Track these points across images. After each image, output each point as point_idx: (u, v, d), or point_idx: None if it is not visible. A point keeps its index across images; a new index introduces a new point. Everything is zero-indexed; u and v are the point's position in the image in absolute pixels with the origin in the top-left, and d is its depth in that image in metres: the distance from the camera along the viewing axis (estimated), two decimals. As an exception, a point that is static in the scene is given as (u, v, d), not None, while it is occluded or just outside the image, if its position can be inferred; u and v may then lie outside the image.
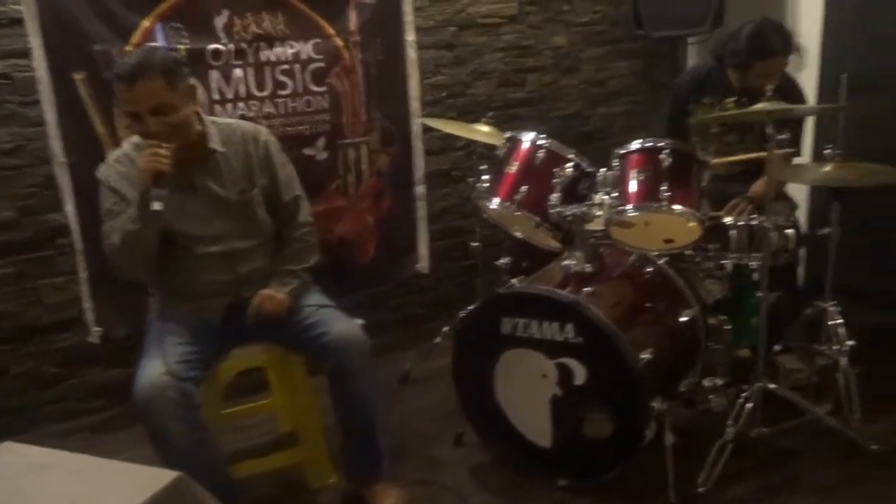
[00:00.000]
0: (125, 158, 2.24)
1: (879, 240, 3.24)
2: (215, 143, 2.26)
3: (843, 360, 2.55)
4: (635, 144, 2.38)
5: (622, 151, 2.40)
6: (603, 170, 2.45)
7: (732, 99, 2.95)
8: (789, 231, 2.58)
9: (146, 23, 2.69)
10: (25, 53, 2.62)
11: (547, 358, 2.32)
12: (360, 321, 3.36)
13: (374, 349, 3.47)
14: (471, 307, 2.46)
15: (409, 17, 3.19)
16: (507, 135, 2.60)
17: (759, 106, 2.33)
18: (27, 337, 2.90)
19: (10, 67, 2.66)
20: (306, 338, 2.32)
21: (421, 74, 3.37)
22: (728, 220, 2.55)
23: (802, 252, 3.14)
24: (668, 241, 2.43)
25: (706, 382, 2.63)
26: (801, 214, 3.30)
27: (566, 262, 2.48)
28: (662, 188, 2.26)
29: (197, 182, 2.26)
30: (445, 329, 3.24)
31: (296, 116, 3.02)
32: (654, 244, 2.45)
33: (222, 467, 2.23)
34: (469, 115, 3.54)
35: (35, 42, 2.58)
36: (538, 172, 2.48)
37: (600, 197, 2.42)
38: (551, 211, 2.42)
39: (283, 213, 2.42)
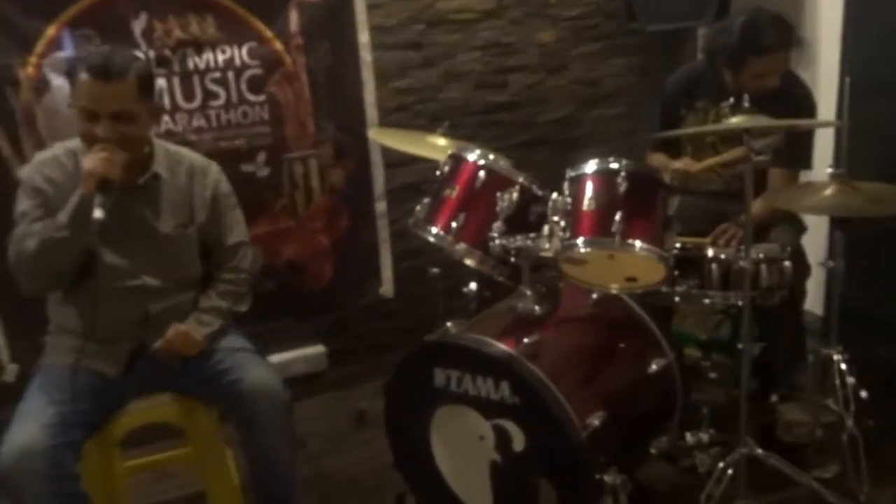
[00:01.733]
0: (54, 162, 2.01)
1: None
2: (160, 168, 2.05)
3: (850, 421, 2.13)
4: (590, 166, 2.01)
5: (573, 174, 2.03)
6: (555, 194, 2.07)
7: (729, 102, 2.53)
8: (786, 264, 2.18)
9: (51, 30, 2.42)
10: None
11: (483, 418, 1.97)
12: (320, 348, 3.12)
13: (338, 380, 3.22)
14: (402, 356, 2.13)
15: (361, 15, 2.85)
16: (451, 152, 2.25)
17: (736, 120, 1.94)
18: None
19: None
20: (217, 384, 2.03)
21: (385, 78, 3.05)
22: (710, 251, 2.16)
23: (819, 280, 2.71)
24: (631, 279, 2.05)
25: (689, 437, 2.27)
26: (819, 236, 2.86)
27: (513, 303, 2.13)
28: (617, 218, 1.88)
29: (130, 206, 2.01)
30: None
31: (231, 129, 2.72)
32: (614, 280, 2.07)
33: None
34: (442, 121, 3.20)
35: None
36: (480, 197, 2.12)
37: (550, 226, 2.04)
38: (492, 243, 2.06)
39: (222, 258, 2.18)
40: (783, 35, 2.34)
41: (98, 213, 1.82)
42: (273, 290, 2.91)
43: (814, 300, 2.82)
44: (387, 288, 3.15)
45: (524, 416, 1.90)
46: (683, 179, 2.56)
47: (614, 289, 2.09)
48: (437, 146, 2.55)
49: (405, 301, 3.23)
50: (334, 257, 3.02)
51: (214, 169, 2.17)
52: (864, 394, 2.23)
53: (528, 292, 2.10)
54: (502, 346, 1.92)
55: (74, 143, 1.99)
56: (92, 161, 1.86)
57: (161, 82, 2.58)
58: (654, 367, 2.13)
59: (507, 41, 3.29)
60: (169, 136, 2.60)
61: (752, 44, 2.34)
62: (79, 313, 2.04)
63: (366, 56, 2.90)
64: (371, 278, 3.12)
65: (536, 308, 2.09)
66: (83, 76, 1.85)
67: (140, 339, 2.05)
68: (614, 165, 1.94)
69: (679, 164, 2.51)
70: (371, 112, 2.97)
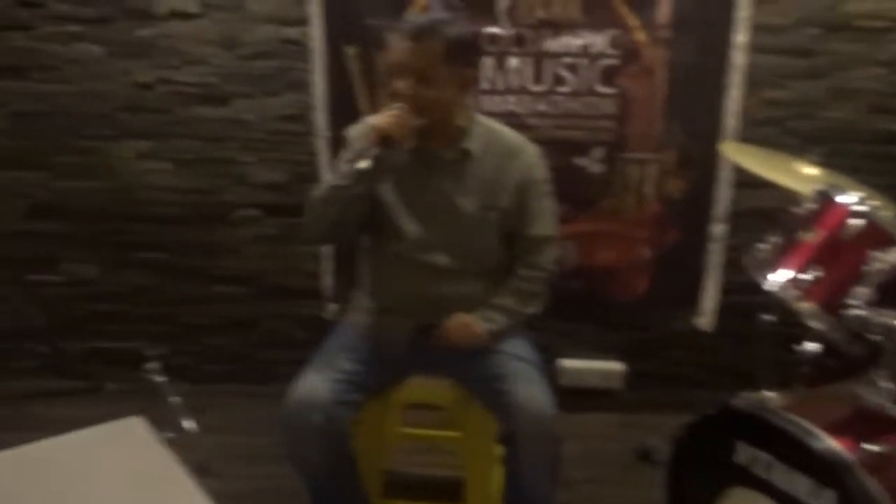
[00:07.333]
0: None
1: None
2: (472, 145, 1.95)
3: None
4: None
5: None
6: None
7: None
8: None
9: (423, -1, 2.48)
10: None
11: (787, 519, 1.61)
12: (618, 365, 2.89)
13: (630, 404, 2.97)
14: (702, 413, 1.81)
15: (744, 11, 2.48)
16: (819, 187, 1.84)
17: None
18: (281, 297, 3.00)
19: (301, 34, 2.67)
20: (489, 388, 1.93)
21: (756, 86, 2.65)
22: None
23: None
24: None
25: None
26: None
27: (860, 391, 1.69)
28: None
29: (436, 179, 1.96)
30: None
31: (572, 119, 2.57)
32: None
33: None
34: (819, 144, 2.72)
35: (314, 11, 2.55)
36: (845, 252, 1.71)
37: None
38: (847, 311, 1.64)
39: (522, 249, 2.03)
40: None
41: (363, 164, 1.77)
42: (578, 293, 2.74)
43: None
44: (705, 320, 2.80)
45: (845, 540, 1.49)
46: None
47: None
48: (804, 176, 2.13)
49: (725, 339, 2.85)
50: (651, 272, 2.75)
51: (531, 151, 2.00)
52: None
53: (884, 384, 1.64)
54: (836, 446, 1.52)
55: None
56: (379, 117, 1.83)
57: (514, 62, 2.52)
58: None
59: (925, 59, 2.66)
60: (511, 116, 2.55)
61: None
62: (375, 278, 2.07)
63: (738, 58, 2.54)
64: (688, 304, 2.79)
65: (892, 407, 1.63)
66: (396, 36, 1.83)
67: (427, 318, 2.00)
68: None
69: None
70: (730, 122, 2.60)
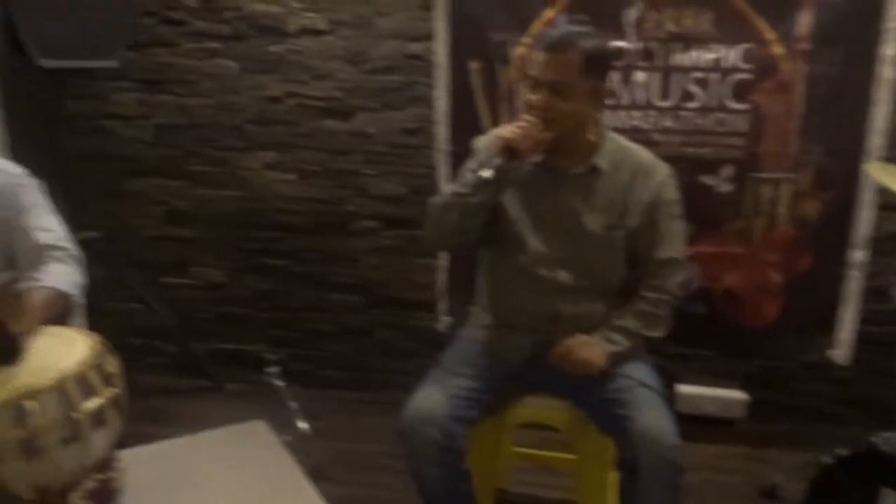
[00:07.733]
0: None
1: None
2: (602, 161, 1.92)
3: None
4: None
5: None
6: None
7: None
8: None
9: (549, 13, 2.46)
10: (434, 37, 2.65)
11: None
12: (740, 394, 2.75)
13: (752, 436, 2.81)
14: (840, 453, 1.69)
15: (892, 22, 2.31)
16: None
17: None
18: (395, 307, 3.04)
19: (425, 50, 2.70)
20: (609, 413, 1.87)
21: (899, 101, 2.48)
22: None
23: None
24: None
25: None
26: None
27: None
28: None
29: (562, 194, 1.93)
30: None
31: (700, 136, 2.47)
32: None
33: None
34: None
35: (440, 27, 2.58)
36: None
37: None
38: None
39: (647, 271, 1.97)
40: None
41: (485, 173, 1.76)
42: (702, 317, 2.63)
43: None
44: (840, 352, 2.61)
45: None
46: None
47: None
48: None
49: (861, 372, 2.66)
50: (782, 298, 2.59)
51: (662, 171, 1.94)
52: None
53: None
54: None
55: None
56: (507, 128, 1.82)
57: (641, 76, 2.46)
58: None
59: None
60: (636, 132, 2.48)
61: None
62: (494, 292, 2.05)
63: (886, 72, 2.36)
64: (821, 334, 2.61)
65: None
66: (536, 46, 1.82)
67: (546, 336, 1.95)
68: None
69: None
70: (876, 140, 2.42)
